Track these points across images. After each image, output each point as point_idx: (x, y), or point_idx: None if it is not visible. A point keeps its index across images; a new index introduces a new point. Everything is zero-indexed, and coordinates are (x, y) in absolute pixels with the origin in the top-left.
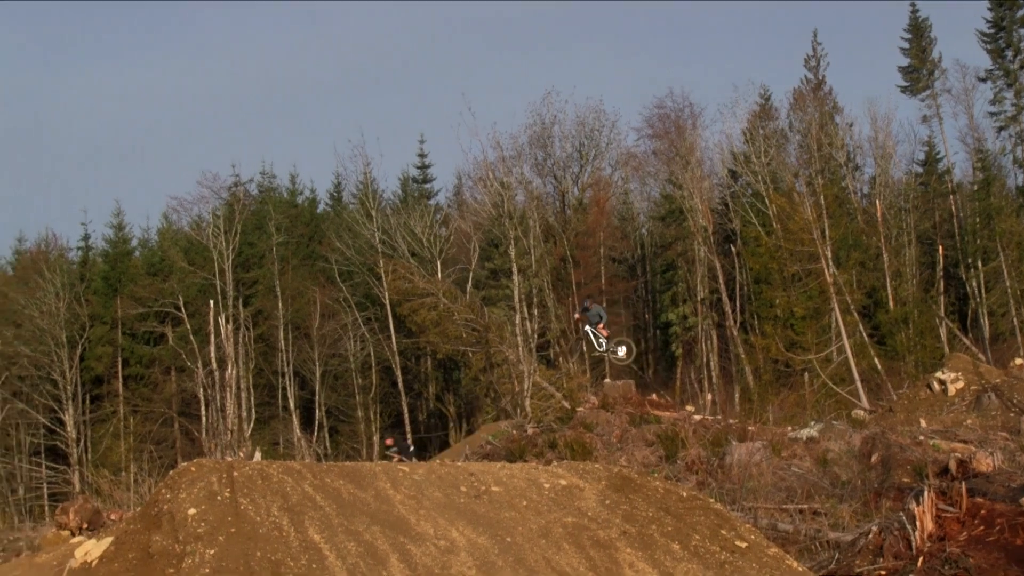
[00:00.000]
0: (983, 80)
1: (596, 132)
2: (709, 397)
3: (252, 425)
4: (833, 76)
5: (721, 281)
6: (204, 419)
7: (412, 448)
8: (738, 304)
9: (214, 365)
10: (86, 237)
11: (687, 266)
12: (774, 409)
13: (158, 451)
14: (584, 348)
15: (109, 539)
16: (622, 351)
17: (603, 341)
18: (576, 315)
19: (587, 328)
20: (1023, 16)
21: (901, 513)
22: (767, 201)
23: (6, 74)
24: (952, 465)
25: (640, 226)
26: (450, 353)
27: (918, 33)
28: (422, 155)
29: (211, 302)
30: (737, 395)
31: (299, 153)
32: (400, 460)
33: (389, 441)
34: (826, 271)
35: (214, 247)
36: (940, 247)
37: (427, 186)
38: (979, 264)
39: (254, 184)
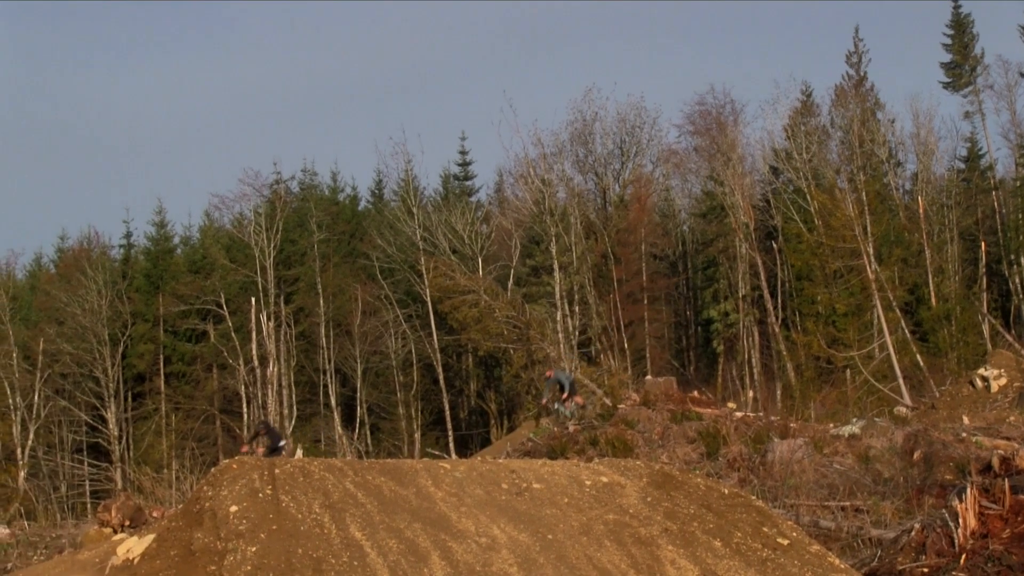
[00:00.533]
0: None
1: (637, 129)
2: (751, 394)
3: (293, 422)
4: (875, 72)
5: (763, 278)
6: (246, 416)
7: (283, 443)
8: (780, 301)
9: (256, 362)
10: (128, 235)
11: (728, 263)
12: (816, 406)
13: (200, 448)
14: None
15: (151, 536)
16: (579, 404)
17: (574, 410)
18: (543, 401)
19: (556, 408)
20: None
21: (944, 510)
22: (809, 198)
23: (49, 72)
24: (995, 462)
25: (681, 223)
26: (491, 350)
27: (960, 29)
28: (463, 152)
29: (252, 299)
30: (779, 392)
31: (340, 150)
32: (263, 451)
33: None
34: (868, 268)
35: (256, 244)
36: (983, 243)
37: (468, 183)
38: (1022, 260)
39: (295, 181)
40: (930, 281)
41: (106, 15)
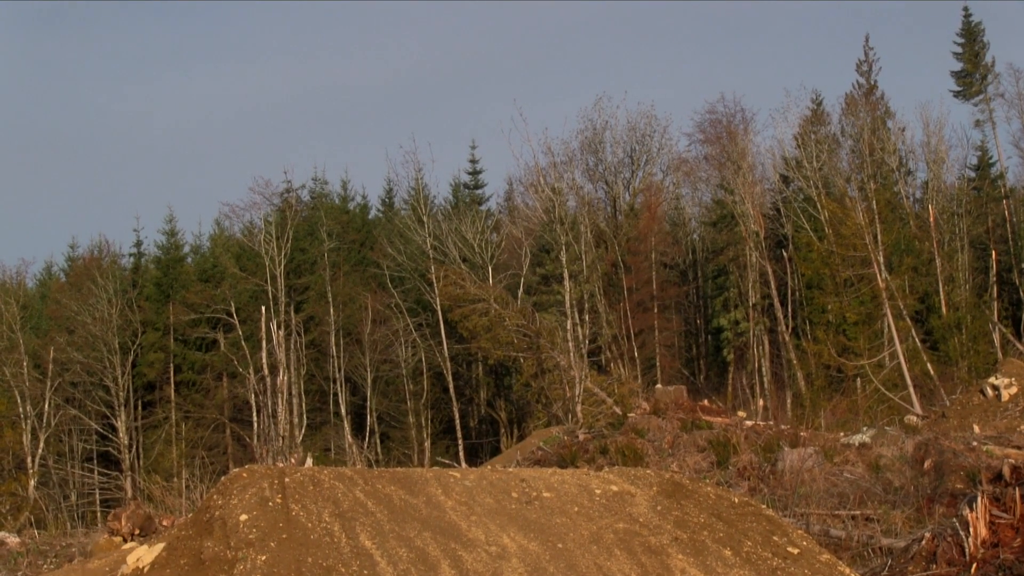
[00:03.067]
0: None
1: (647, 137)
2: (761, 403)
3: (304, 431)
4: (885, 81)
5: (773, 286)
6: (256, 425)
7: None
8: (790, 309)
9: (266, 371)
10: (138, 243)
11: (739, 271)
12: (826, 415)
13: (210, 457)
14: None
15: (161, 545)
16: None
17: None
18: None
19: None
20: None
21: (954, 519)
22: (819, 206)
23: (62, 82)
24: (1006, 471)
25: (692, 231)
26: (501, 359)
27: (971, 37)
28: (473, 161)
29: (263, 308)
30: (789, 401)
31: (351, 159)
32: None
33: None
34: (878, 276)
35: (266, 253)
36: (993, 252)
37: (478, 192)
38: None
39: (306, 190)
40: (941, 290)
41: (116, 23)
